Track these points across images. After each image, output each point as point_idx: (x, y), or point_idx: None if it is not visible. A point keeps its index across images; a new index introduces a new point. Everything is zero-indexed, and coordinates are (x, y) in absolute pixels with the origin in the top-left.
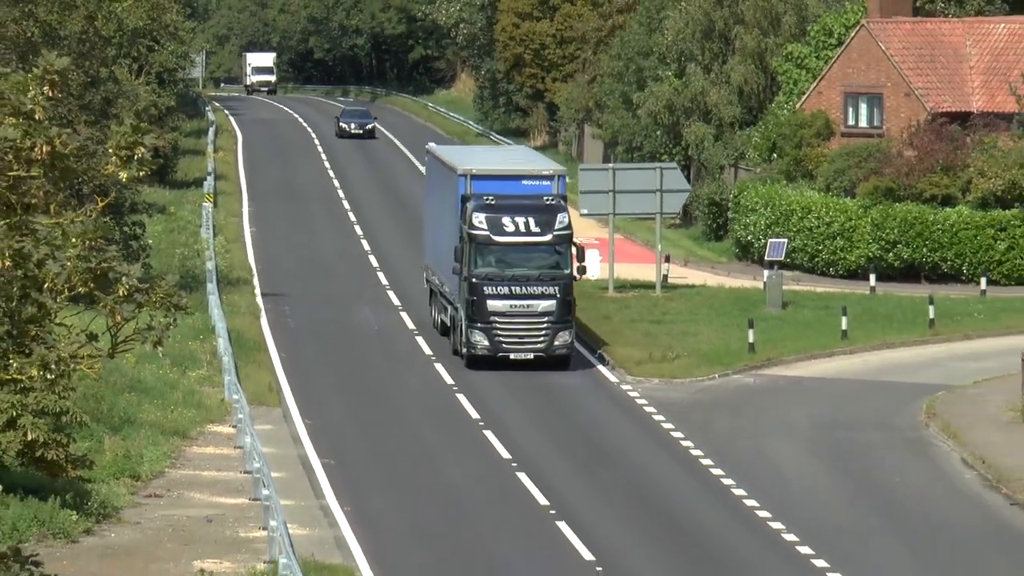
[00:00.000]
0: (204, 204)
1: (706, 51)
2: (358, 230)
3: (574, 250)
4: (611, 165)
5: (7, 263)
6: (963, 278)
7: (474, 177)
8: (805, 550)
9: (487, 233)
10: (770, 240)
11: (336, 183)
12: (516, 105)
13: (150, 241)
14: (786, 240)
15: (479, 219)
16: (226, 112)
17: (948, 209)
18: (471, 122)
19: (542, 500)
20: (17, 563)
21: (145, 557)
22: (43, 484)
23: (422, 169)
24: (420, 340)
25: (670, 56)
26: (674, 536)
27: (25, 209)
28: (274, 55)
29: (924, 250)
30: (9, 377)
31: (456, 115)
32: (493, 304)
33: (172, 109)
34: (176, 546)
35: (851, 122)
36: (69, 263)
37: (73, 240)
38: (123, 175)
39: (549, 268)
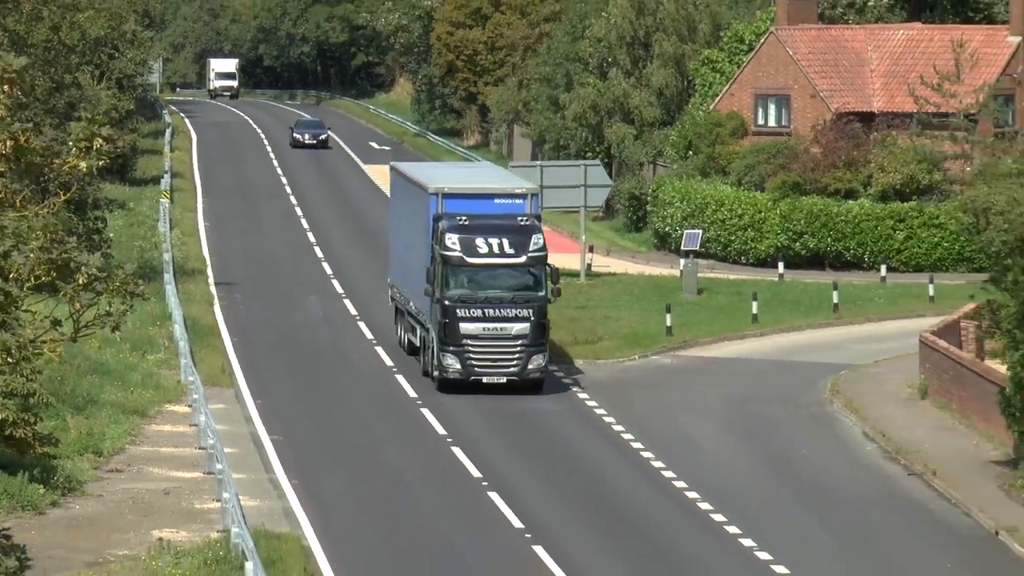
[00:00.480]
0: (161, 200)
1: (628, 57)
2: (304, 224)
3: (549, 271)
4: (539, 162)
5: None
6: (865, 266)
7: (445, 196)
8: (719, 517)
9: (460, 254)
10: (686, 231)
11: (284, 180)
12: (451, 107)
13: (111, 234)
14: (700, 231)
15: (452, 240)
16: (182, 115)
17: (851, 202)
18: (409, 123)
19: (475, 472)
20: None
21: (107, 527)
22: (12, 460)
23: (364, 168)
24: (362, 325)
25: (594, 61)
26: (595, 503)
27: None
28: (237, 61)
29: (829, 240)
30: None
31: (395, 116)
32: (466, 327)
33: (131, 112)
34: (136, 517)
35: (761, 122)
36: (32, 254)
37: (36, 233)
38: (83, 165)
39: (524, 290)
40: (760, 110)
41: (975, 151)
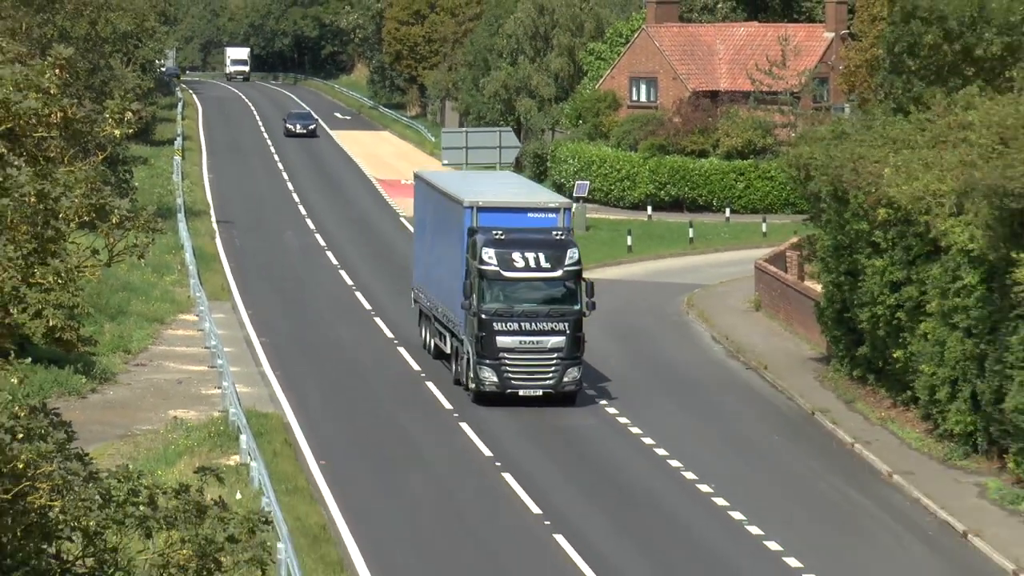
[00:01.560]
0: (175, 157)
1: (532, 47)
2: (284, 175)
3: (584, 285)
4: (465, 129)
5: (33, 199)
6: (713, 209)
7: (480, 209)
8: (602, 402)
9: (497, 268)
10: (577, 182)
11: (268, 141)
12: (397, 86)
13: (136, 184)
14: (588, 182)
15: (489, 254)
16: (191, 92)
17: (703, 160)
18: (364, 98)
19: (415, 366)
20: (43, 414)
21: (135, 408)
22: (60, 357)
23: (331, 133)
24: (330, 255)
25: (506, 51)
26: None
27: (46, 160)
28: (248, 50)
29: (686, 188)
30: (35, 281)
31: (354, 93)
32: (502, 340)
33: (152, 89)
34: (157, 400)
35: (635, 98)
36: (77, 199)
37: (80, 183)
38: (117, 132)
39: (559, 304)
40: (634, 89)
41: (798, 121)
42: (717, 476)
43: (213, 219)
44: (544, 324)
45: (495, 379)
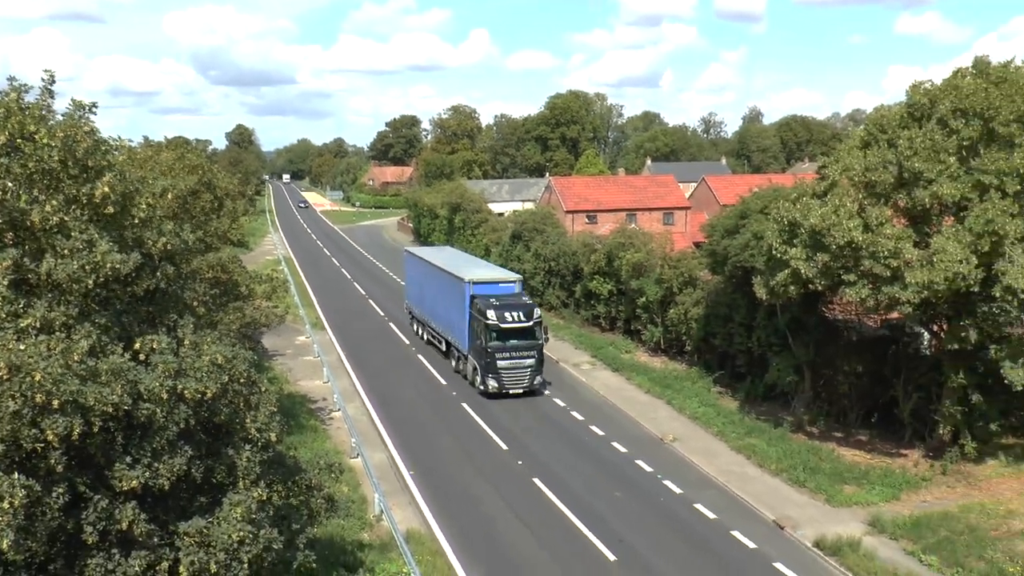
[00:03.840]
0: (265, 199)
1: (346, 172)
2: (293, 208)
3: (542, 327)
4: (330, 190)
5: (213, 205)
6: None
7: (474, 283)
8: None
9: (497, 322)
10: (357, 201)
11: (291, 203)
12: (317, 181)
13: (254, 205)
14: (358, 202)
15: (491, 313)
16: (269, 184)
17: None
18: (310, 185)
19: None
20: (238, 259)
21: (258, 255)
22: (240, 244)
23: (304, 194)
24: (304, 224)
25: (343, 170)
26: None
27: (230, 199)
28: (289, 174)
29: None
30: (217, 225)
31: (305, 183)
32: (501, 363)
33: (260, 182)
34: (263, 254)
35: (369, 184)
36: (240, 208)
37: (239, 204)
38: (227, 226)
39: (530, 339)
40: (368, 183)
41: (410, 186)
42: None
43: (274, 212)
44: (523, 352)
45: (495, 384)
